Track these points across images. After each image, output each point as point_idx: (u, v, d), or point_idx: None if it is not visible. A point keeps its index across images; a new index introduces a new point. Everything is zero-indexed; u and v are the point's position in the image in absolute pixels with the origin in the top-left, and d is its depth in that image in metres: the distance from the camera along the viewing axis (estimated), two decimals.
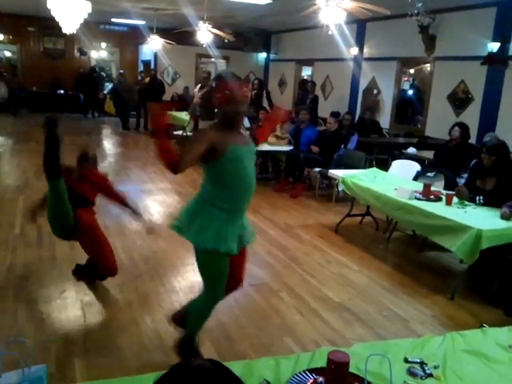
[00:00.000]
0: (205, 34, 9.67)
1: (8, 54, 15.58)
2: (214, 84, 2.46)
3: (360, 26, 10.73)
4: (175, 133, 10.69)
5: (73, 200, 3.41)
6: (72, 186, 3.48)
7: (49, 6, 6.43)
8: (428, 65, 9.59)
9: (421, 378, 1.78)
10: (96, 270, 3.62)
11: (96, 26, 13.80)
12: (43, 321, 3.18)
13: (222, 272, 2.49)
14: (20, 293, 3.52)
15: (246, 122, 8.96)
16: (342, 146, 7.04)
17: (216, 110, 2.45)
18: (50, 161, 3.27)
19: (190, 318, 2.64)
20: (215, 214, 2.42)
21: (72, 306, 3.39)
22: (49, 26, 12.89)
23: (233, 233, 2.46)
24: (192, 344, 2.62)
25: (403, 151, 7.70)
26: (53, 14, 6.60)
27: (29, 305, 3.36)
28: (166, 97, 12.61)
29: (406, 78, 11.50)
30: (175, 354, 2.64)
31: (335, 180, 6.02)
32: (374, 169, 5.63)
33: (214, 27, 9.69)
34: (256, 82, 10.56)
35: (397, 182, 4.95)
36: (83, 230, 3.48)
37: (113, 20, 14.14)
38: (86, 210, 3.62)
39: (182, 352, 2.62)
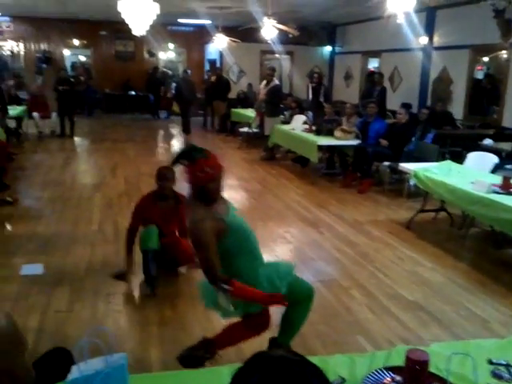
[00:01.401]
0: (269, 29, 9.67)
1: (83, 58, 16.39)
2: (190, 161, 2.30)
3: (430, 14, 10.31)
4: (241, 130, 10.81)
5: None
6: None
7: (119, 9, 6.68)
8: (504, 52, 9.05)
9: (507, 381, 1.68)
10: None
11: (163, 27, 14.18)
12: (121, 313, 3.31)
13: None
14: (99, 287, 3.68)
15: (310, 116, 8.89)
16: (415, 139, 6.79)
17: (193, 188, 2.35)
18: None
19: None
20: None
21: (148, 299, 3.51)
22: (120, 29, 13.41)
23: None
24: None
25: (479, 143, 7.32)
26: (123, 16, 6.86)
27: (107, 298, 3.51)
28: (232, 94, 12.76)
29: (479, 67, 10.92)
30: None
31: (406, 174, 5.83)
32: (448, 161, 5.39)
33: (278, 23, 9.67)
34: (316, 75, 10.46)
35: (473, 174, 4.72)
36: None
37: (179, 21, 14.48)
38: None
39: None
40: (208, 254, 2.27)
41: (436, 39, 10.42)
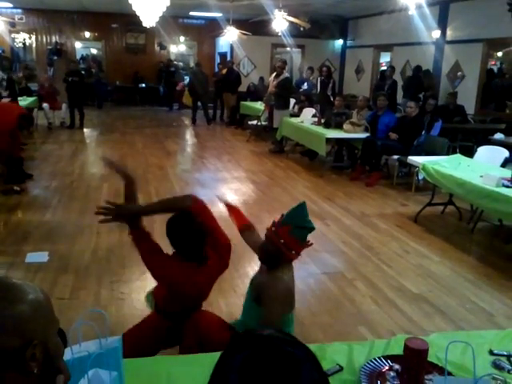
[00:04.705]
0: (280, 22, 9.62)
1: (94, 50, 16.43)
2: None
3: (443, 7, 10.19)
4: (250, 122, 10.79)
5: None
6: None
7: (130, 0, 6.67)
8: None
9: (508, 372, 1.64)
10: None
11: (175, 20, 14.18)
12: (124, 300, 3.32)
13: None
14: (103, 274, 3.69)
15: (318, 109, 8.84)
16: (424, 132, 6.73)
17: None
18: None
19: None
20: None
21: (151, 287, 3.50)
22: (131, 21, 13.45)
23: None
24: None
25: (490, 137, 7.23)
26: (133, 8, 6.85)
27: (110, 285, 3.51)
28: (242, 88, 12.72)
29: (492, 62, 10.78)
30: None
31: (415, 168, 5.77)
32: (458, 155, 5.33)
33: (289, 15, 9.61)
34: (324, 69, 10.39)
35: (483, 168, 4.65)
36: None
37: (191, 13, 14.45)
38: None
39: None
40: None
41: (449, 33, 10.29)
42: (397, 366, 1.62)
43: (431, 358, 1.62)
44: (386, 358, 1.68)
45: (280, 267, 2.11)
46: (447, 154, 6.03)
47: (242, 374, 0.82)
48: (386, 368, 1.63)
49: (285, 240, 2.06)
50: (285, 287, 2.08)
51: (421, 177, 5.87)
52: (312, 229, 2.15)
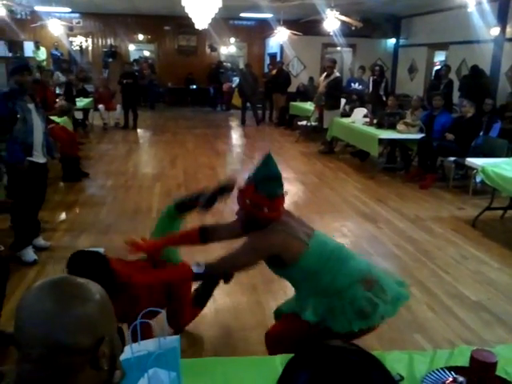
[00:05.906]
0: (332, 21, 9.51)
1: (147, 53, 16.80)
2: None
3: (503, 3, 9.76)
4: (299, 123, 10.72)
5: None
6: None
7: (183, 3, 6.78)
8: None
9: None
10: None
11: (225, 21, 14.28)
12: None
13: None
14: None
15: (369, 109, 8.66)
16: (482, 134, 6.47)
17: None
18: None
19: None
20: None
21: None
22: (183, 24, 13.67)
23: None
24: None
25: None
26: (186, 10, 6.96)
27: None
28: (292, 88, 12.68)
29: None
30: None
31: (473, 170, 5.55)
32: None
33: (341, 14, 9.48)
34: (377, 68, 10.19)
35: None
36: None
37: (241, 15, 14.53)
38: None
39: None
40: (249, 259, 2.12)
41: (509, 30, 9.85)
42: (461, 379, 1.55)
43: (499, 371, 1.54)
44: (450, 369, 1.61)
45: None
46: (507, 156, 5.77)
47: None
48: (450, 380, 1.57)
49: (250, 199, 1.96)
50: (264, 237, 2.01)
51: (479, 179, 5.63)
52: (276, 177, 2.01)
